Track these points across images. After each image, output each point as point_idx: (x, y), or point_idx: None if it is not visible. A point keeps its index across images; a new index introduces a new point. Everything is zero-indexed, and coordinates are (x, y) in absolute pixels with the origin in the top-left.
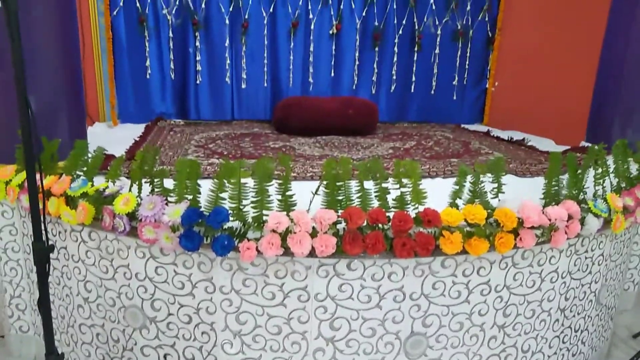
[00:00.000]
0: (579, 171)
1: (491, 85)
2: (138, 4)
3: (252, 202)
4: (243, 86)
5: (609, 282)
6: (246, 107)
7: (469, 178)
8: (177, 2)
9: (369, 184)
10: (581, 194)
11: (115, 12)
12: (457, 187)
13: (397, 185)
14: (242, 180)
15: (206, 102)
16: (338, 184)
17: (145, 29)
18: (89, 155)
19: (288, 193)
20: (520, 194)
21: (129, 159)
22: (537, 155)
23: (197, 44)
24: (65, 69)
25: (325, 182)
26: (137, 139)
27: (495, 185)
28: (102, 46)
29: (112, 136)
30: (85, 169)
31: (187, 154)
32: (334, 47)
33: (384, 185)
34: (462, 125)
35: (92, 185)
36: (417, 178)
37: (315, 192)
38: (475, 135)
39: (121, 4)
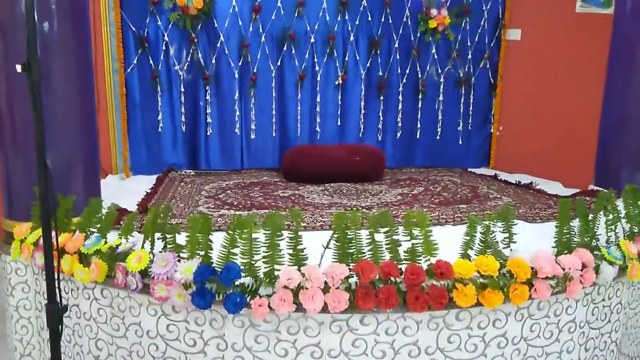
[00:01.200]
0: (590, 217)
1: (496, 129)
2: (151, 62)
3: (263, 256)
4: (252, 136)
5: (629, 331)
6: (255, 157)
7: (479, 228)
8: (189, 59)
9: (379, 236)
10: (593, 240)
11: (129, 70)
12: (468, 238)
13: (408, 237)
14: (254, 235)
15: (216, 152)
16: (348, 236)
17: (157, 84)
18: (103, 211)
19: (299, 247)
20: (532, 242)
21: (141, 212)
22: (545, 199)
23: (208, 97)
24: (81, 126)
25: (335, 235)
26: (149, 191)
27: (506, 234)
28: (116, 102)
29: (124, 188)
30: (99, 226)
31: (197, 205)
32: (340, 97)
33: (394, 237)
34: (469, 169)
35: (106, 243)
36: (428, 230)
37: (326, 246)
38: (482, 179)
39: (135, 61)
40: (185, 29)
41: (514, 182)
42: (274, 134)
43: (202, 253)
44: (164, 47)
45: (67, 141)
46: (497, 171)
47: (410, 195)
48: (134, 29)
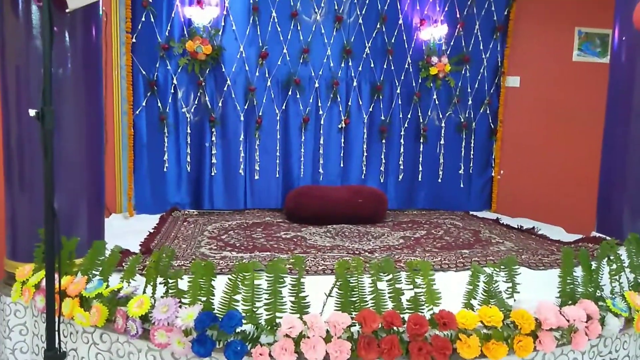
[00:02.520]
0: (594, 267)
1: (497, 173)
2: (159, 104)
3: (265, 304)
4: (256, 177)
5: None
6: (258, 197)
7: (482, 277)
8: (196, 102)
9: (382, 284)
10: (598, 291)
11: (137, 112)
12: (471, 287)
13: (411, 285)
14: (256, 282)
15: (220, 192)
16: (351, 284)
17: (165, 125)
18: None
19: (301, 294)
20: (535, 289)
21: (143, 253)
22: (548, 244)
23: (214, 138)
24: (89, 168)
25: (338, 283)
26: (152, 231)
27: (510, 284)
28: (123, 142)
29: (128, 228)
30: (101, 269)
31: (200, 246)
32: (343, 140)
33: (397, 285)
34: (471, 213)
35: (107, 286)
36: (431, 278)
37: (329, 294)
38: (484, 223)
39: (144, 104)
40: (194, 73)
41: (516, 227)
42: (277, 175)
43: (203, 299)
44: (172, 90)
45: (74, 182)
46: (498, 215)
47: (412, 238)
48: (144, 72)
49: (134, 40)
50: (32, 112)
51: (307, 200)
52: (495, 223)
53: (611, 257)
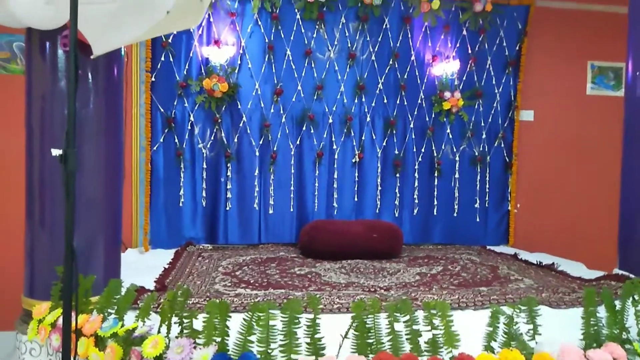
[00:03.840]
0: (618, 308)
1: (513, 207)
2: (176, 140)
3: (280, 345)
4: (270, 211)
5: None
6: (273, 232)
7: (502, 319)
8: (212, 137)
9: (399, 325)
10: (624, 333)
11: (155, 147)
12: (491, 329)
13: (429, 327)
14: (271, 322)
15: (235, 227)
16: (368, 325)
17: (181, 161)
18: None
19: (317, 336)
20: (557, 329)
21: (158, 290)
22: (569, 282)
23: (229, 173)
24: (107, 205)
25: (354, 324)
26: (167, 266)
27: (531, 325)
28: (140, 177)
29: (143, 263)
30: (116, 307)
31: (214, 282)
32: (357, 174)
33: (415, 327)
34: (488, 247)
35: (123, 325)
36: (449, 319)
37: (345, 336)
38: (502, 258)
39: (161, 140)
40: (211, 110)
41: (535, 263)
42: (291, 209)
43: (218, 340)
44: (189, 127)
45: (92, 220)
46: (516, 249)
47: (428, 275)
48: (162, 110)
49: (153, 79)
50: (55, 152)
51: (321, 235)
52: (514, 258)
53: (636, 297)
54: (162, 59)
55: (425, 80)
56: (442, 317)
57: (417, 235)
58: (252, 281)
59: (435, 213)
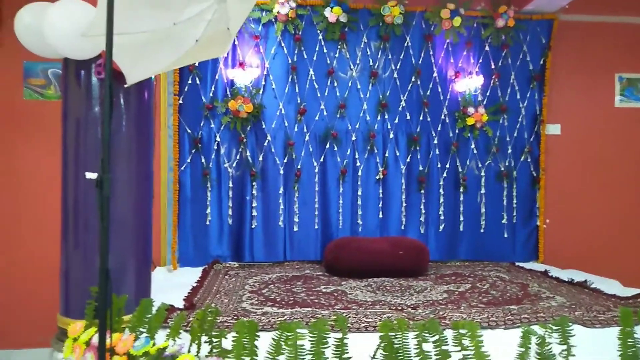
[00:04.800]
0: None
1: (542, 222)
2: (203, 160)
3: None
4: (295, 229)
5: None
6: (298, 249)
7: (534, 339)
8: (238, 157)
9: (428, 346)
10: None
11: (183, 168)
12: (523, 350)
13: (458, 347)
14: (299, 342)
15: (260, 245)
16: (396, 346)
17: (208, 180)
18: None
19: (345, 356)
20: (591, 349)
21: (187, 308)
22: (603, 300)
23: (254, 192)
24: (138, 226)
25: (382, 345)
26: (195, 285)
27: (565, 346)
28: (168, 197)
29: (171, 281)
30: (148, 326)
31: (241, 300)
32: (381, 191)
33: (443, 347)
34: (517, 264)
35: (154, 344)
36: (479, 340)
37: (373, 356)
38: (532, 275)
39: (188, 160)
40: (236, 130)
41: (567, 280)
42: (316, 227)
43: (247, 359)
44: (215, 147)
45: (124, 241)
46: (547, 266)
47: (456, 293)
48: (189, 131)
49: (180, 101)
50: (89, 175)
51: (346, 252)
52: (544, 275)
53: None
54: (189, 82)
55: (448, 97)
56: (471, 337)
57: (444, 252)
58: (278, 299)
59: (461, 229)
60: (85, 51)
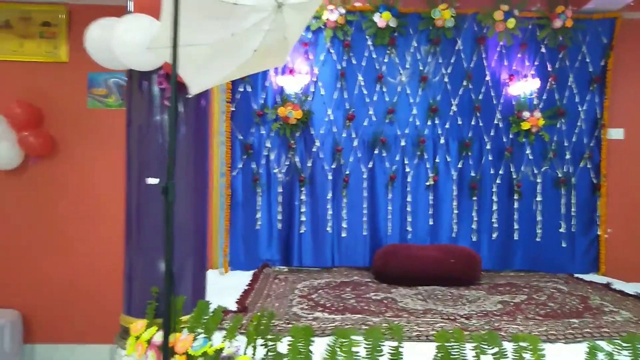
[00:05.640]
0: None
1: (604, 232)
2: (254, 165)
3: None
4: (343, 235)
5: None
6: (346, 255)
7: (601, 356)
8: (287, 162)
9: (486, 358)
10: None
11: (234, 173)
12: None
13: None
14: (354, 349)
15: (308, 250)
16: (452, 356)
17: (258, 185)
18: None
19: None
20: None
21: (240, 311)
22: None
23: (303, 197)
24: (195, 232)
25: (439, 354)
26: (247, 288)
27: None
28: (221, 202)
29: (223, 284)
30: (205, 327)
31: (292, 304)
32: (431, 197)
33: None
34: (576, 276)
35: (212, 345)
36: (540, 354)
37: None
38: (592, 288)
39: (240, 165)
40: (285, 136)
41: (633, 294)
42: (364, 233)
43: None
44: (265, 153)
45: (182, 244)
46: (609, 279)
47: (511, 304)
48: (241, 137)
49: (233, 108)
50: (150, 181)
51: (395, 259)
52: (606, 288)
53: None
54: (241, 89)
55: (501, 101)
56: (533, 351)
57: (497, 261)
58: (328, 305)
59: (516, 238)
60: (148, 63)
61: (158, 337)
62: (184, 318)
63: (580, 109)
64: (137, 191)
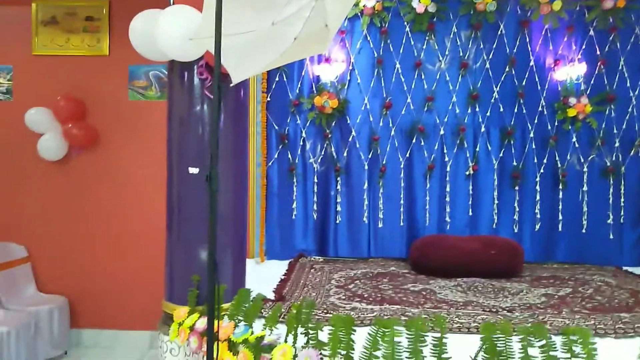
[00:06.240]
0: None
1: None
2: (289, 155)
3: None
4: (380, 225)
5: None
6: (382, 246)
7: None
8: (323, 152)
9: (534, 351)
10: None
11: (270, 163)
12: None
13: (568, 354)
14: (396, 339)
15: (344, 240)
16: (498, 349)
17: (294, 176)
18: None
19: (444, 356)
20: None
21: (277, 300)
22: None
23: (338, 187)
24: (234, 222)
25: (484, 347)
26: (283, 277)
27: None
28: (257, 192)
29: (260, 273)
30: (245, 315)
31: (329, 295)
32: (471, 187)
33: (552, 353)
34: (624, 268)
35: (252, 333)
36: (592, 348)
37: (475, 358)
38: None
39: (276, 156)
40: (321, 126)
41: None
42: (401, 224)
43: (343, 352)
44: (301, 143)
45: (223, 232)
46: None
47: (556, 297)
48: (276, 127)
49: (268, 98)
50: (192, 170)
51: (434, 250)
52: None
53: None
54: (277, 79)
55: (546, 87)
56: (583, 345)
57: (540, 253)
58: (365, 295)
59: (560, 229)
60: (190, 53)
61: (200, 324)
62: (225, 306)
63: (631, 94)
64: (178, 181)
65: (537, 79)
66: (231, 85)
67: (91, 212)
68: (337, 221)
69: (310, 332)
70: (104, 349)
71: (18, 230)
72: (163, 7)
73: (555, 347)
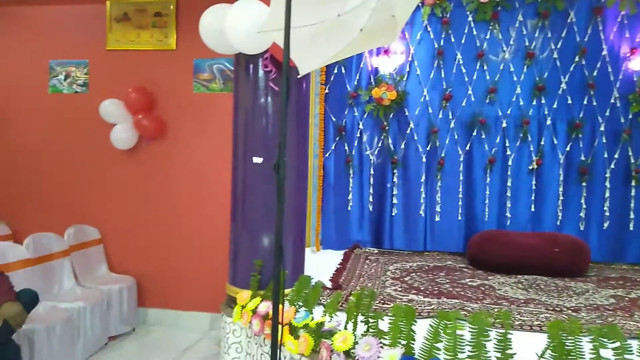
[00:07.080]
0: None
1: None
2: (346, 147)
3: (468, 356)
4: (437, 219)
5: None
6: (439, 240)
7: None
8: (380, 144)
9: (606, 352)
10: None
11: (327, 155)
12: None
13: None
14: (458, 332)
15: (400, 233)
16: (567, 348)
17: (350, 167)
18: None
19: (508, 351)
20: None
21: (334, 288)
22: None
23: (395, 179)
24: (295, 211)
25: (551, 345)
26: (339, 267)
27: None
28: (314, 183)
29: (316, 262)
30: (305, 301)
31: (385, 286)
32: (534, 182)
33: (627, 356)
34: None
35: (313, 319)
36: None
37: (541, 355)
38: None
39: (333, 147)
40: (379, 118)
41: None
42: (459, 218)
43: (404, 342)
44: (358, 135)
45: (285, 221)
46: None
47: (626, 299)
48: (334, 119)
49: (327, 90)
50: (256, 160)
51: (494, 246)
52: None
53: None
54: (335, 71)
55: (620, 77)
56: None
57: (607, 253)
58: (422, 288)
59: (631, 228)
60: (258, 45)
61: (262, 307)
62: (286, 291)
63: None
64: (243, 170)
65: (609, 69)
66: (298, 77)
67: (159, 198)
68: (393, 213)
69: (371, 320)
70: (168, 328)
71: (92, 213)
72: (227, 2)
73: (631, 351)
